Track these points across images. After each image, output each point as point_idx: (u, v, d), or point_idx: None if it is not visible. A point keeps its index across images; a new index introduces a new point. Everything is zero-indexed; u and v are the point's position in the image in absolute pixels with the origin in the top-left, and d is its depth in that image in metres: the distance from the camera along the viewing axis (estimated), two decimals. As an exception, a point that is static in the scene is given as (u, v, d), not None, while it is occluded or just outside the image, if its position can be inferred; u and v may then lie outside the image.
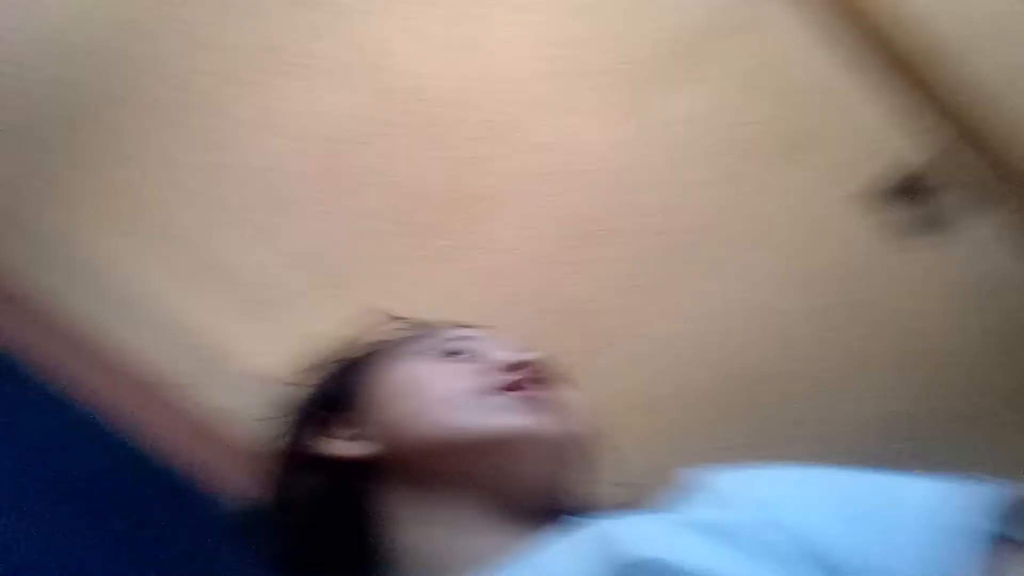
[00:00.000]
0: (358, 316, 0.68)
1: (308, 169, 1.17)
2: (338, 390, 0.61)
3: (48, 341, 1.09)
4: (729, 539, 0.42)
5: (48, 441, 1.00)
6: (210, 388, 1.19)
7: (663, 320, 1.31)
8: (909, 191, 1.26)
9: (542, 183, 1.21)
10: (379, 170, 1.17)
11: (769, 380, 1.36)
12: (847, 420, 1.39)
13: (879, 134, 1.22)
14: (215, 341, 1.20)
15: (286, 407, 0.62)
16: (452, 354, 0.58)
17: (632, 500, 0.53)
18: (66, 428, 1.02)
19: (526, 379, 0.54)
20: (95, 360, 1.13)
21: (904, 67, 1.16)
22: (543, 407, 0.53)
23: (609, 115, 1.19)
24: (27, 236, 1.13)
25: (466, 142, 1.17)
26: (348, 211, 1.19)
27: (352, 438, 0.57)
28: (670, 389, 1.34)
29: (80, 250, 1.16)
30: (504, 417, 0.52)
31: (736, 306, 1.33)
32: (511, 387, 0.53)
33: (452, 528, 0.53)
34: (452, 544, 0.52)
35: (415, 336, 0.62)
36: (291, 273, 1.22)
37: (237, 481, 0.93)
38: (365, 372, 0.60)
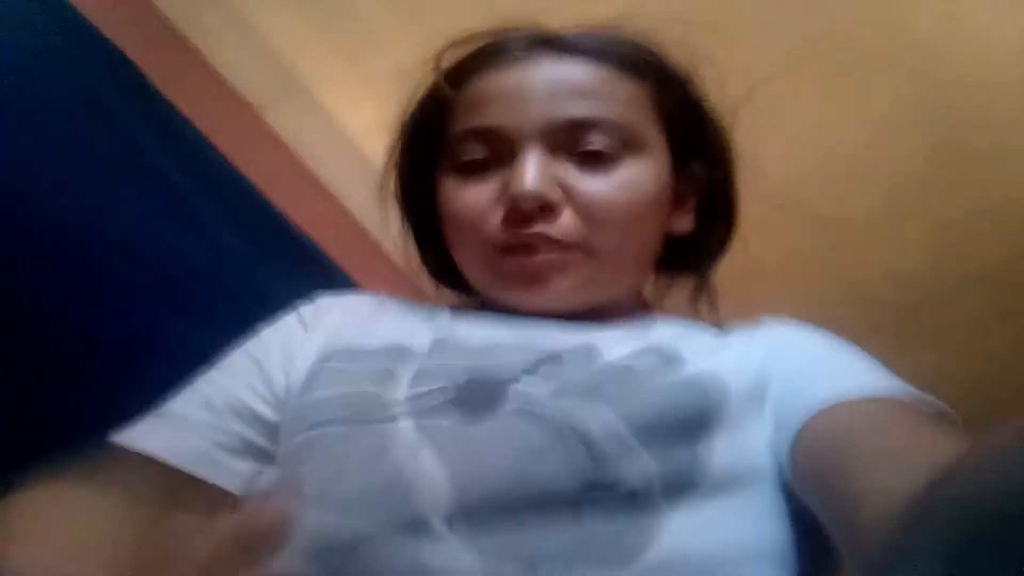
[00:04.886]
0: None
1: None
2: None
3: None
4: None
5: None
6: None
7: None
8: None
9: None
10: None
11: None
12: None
13: None
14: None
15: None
16: (475, 165, 0.66)
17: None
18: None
19: (517, 234, 0.63)
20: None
21: None
22: (524, 278, 0.65)
23: None
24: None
25: None
26: None
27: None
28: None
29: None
30: (496, 288, 0.67)
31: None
32: (505, 250, 0.64)
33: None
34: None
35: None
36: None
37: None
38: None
